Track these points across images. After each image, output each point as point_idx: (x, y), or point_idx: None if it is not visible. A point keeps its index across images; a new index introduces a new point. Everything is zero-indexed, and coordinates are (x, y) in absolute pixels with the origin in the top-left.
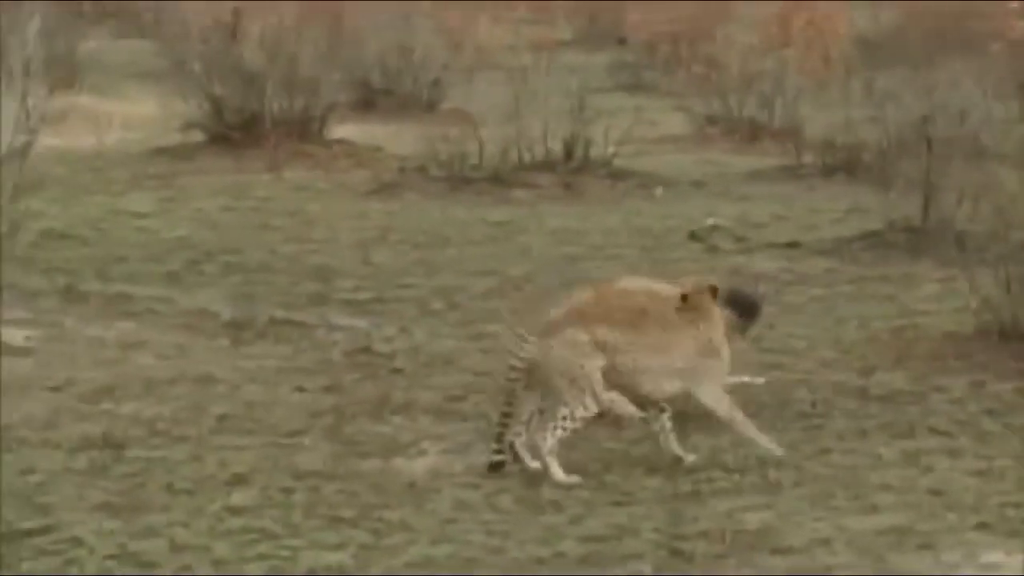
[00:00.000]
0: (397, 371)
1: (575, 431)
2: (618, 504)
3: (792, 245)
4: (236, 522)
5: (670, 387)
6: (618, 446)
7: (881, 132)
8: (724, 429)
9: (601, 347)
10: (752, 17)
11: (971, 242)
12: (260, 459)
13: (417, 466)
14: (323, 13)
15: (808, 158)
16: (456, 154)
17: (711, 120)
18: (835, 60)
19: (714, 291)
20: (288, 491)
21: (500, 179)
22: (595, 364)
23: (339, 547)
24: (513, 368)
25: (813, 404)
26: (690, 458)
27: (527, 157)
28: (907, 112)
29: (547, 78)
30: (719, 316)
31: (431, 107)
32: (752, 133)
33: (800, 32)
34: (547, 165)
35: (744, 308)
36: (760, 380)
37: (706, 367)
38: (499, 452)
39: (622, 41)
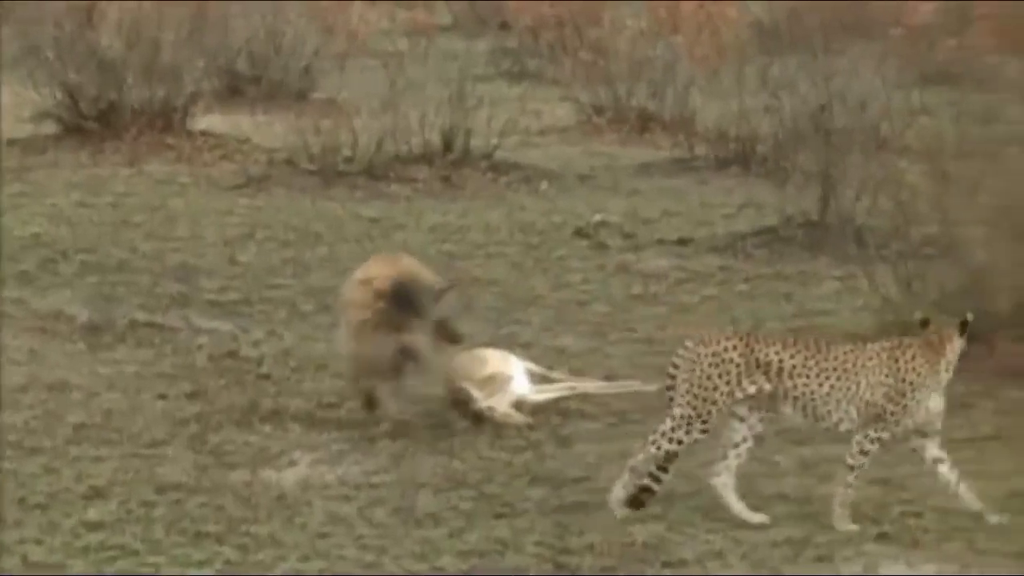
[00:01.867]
0: (265, 377)
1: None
2: (500, 516)
3: (684, 242)
4: (94, 538)
5: None
6: (500, 455)
7: (777, 123)
8: (611, 438)
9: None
10: (641, 1)
11: (871, 238)
12: (119, 471)
13: (287, 477)
14: None
15: (700, 150)
16: (328, 146)
17: (598, 110)
18: (728, 47)
19: None
20: (149, 505)
21: (375, 173)
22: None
23: (204, 564)
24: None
25: None
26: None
27: (404, 149)
28: (804, 102)
29: (424, 65)
30: None
31: (301, 96)
32: (641, 124)
33: (691, 17)
34: (425, 158)
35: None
36: (651, 387)
37: None
38: (655, 478)
39: (504, 26)
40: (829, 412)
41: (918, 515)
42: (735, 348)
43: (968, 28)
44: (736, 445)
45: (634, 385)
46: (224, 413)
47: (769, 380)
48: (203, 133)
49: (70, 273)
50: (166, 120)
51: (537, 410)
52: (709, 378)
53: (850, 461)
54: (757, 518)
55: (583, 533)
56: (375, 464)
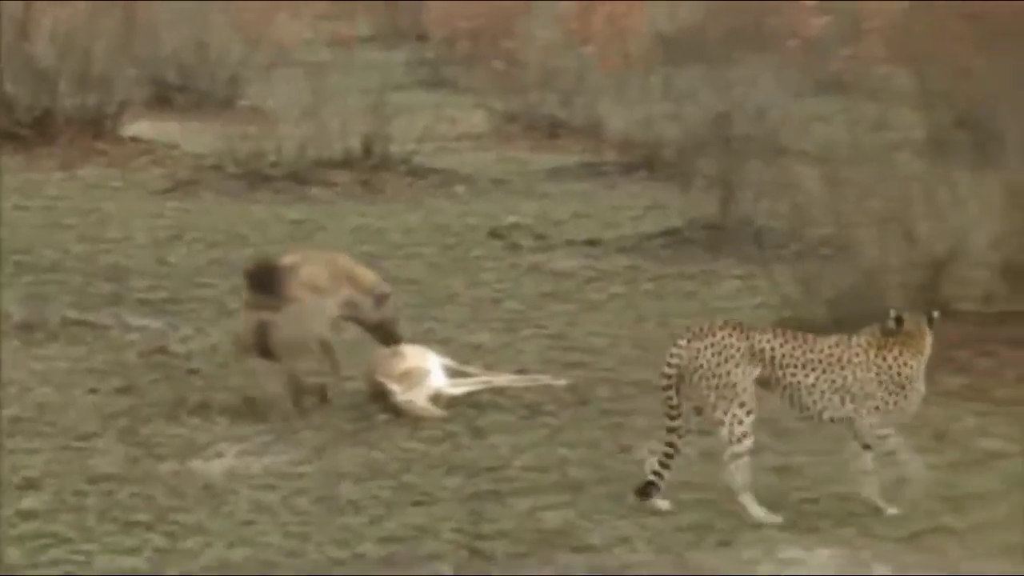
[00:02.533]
0: (193, 372)
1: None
2: (418, 504)
3: (593, 243)
4: (28, 527)
5: None
6: (418, 446)
7: (680, 129)
8: (523, 429)
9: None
10: (552, 13)
11: (770, 239)
12: (52, 462)
13: (214, 468)
14: (117, 6)
15: (608, 155)
16: (253, 152)
17: (511, 117)
18: (635, 57)
19: None
20: (81, 495)
21: (298, 177)
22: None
23: (134, 551)
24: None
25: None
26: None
27: (325, 155)
28: (706, 109)
29: (346, 74)
30: None
31: (228, 104)
32: (552, 130)
33: (600, 29)
34: (346, 163)
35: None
36: (562, 382)
37: None
38: (657, 474)
39: (421, 37)
40: (814, 402)
41: (815, 501)
42: (732, 335)
43: (859, 40)
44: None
45: (545, 379)
46: (154, 407)
47: (764, 367)
48: (133, 139)
49: (5, 273)
50: (98, 127)
51: (453, 403)
52: (719, 365)
53: (878, 448)
54: (774, 519)
55: (497, 520)
56: (298, 455)
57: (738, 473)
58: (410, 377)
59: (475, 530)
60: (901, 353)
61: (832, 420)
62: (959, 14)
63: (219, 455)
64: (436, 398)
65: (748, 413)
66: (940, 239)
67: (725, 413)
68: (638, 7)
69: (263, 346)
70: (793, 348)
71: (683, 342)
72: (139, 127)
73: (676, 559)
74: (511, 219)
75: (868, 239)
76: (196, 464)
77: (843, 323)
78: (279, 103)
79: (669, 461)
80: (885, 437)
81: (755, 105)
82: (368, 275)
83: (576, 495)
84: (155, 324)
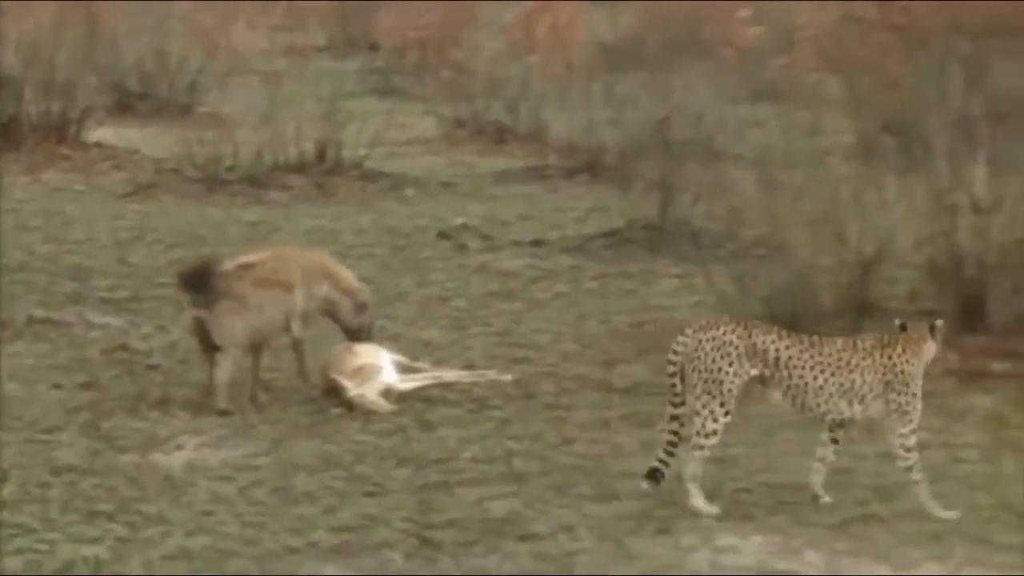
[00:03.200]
0: (154, 368)
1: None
2: (370, 495)
3: (537, 243)
4: None
5: None
6: (369, 439)
7: (621, 134)
8: (471, 423)
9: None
10: (498, 23)
11: (707, 240)
12: (18, 455)
13: (174, 460)
14: (80, 17)
15: (552, 159)
16: (211, 156)
17: (459, 123)
18: (577, 65)
19: None
20: (45, 486)
21: (255, 180)
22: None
23: (96, 540)
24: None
25: None
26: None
27: (281, 159)
28: (645, 115)
29: (300, 82)
30: None
31: (187, 110)
32: (499, 136)
33: (544, 38)
34: (300, 167)
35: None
36: (507, 377)
37: None
38: (662, 461)
39: (373, 47)
40: (818, 404)
41: (749, 491)
42: (734, 332)
43: (792, 49)
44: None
45: (491, 374)
46: (115, 401)
47: (766, 366)
48: (96, 145)
49: None
50: (61, 133)
51: (403, 398)
52: (714, 361)
53: (905, 464)
54: (712, 510)
55: (445, 510)
56: (255, 448)
57: (692, 463)
58: (362, 373)
59: (424, 519)
60: (904, 351)
61: (834, 422)
62: (886, 25)
63: (179, 448)
64: (387, 393)
65: (725, 414)
66: (869, 240)
67: (704, 407)
68: (580, 18)
69: (205, 341)
70: (800, 350)
71: (689, 332)
72: (101, 133)
73: (616, 546)
74: (459, 221)
75: (800, 240)
76: (156, 456)
77: (777, 320)
78: (236, 110)
79: (673, 448)
80: (911, 448)
81: (693, 111)
82: (351, 278)
83: (521, 486)
84: (117, 322)
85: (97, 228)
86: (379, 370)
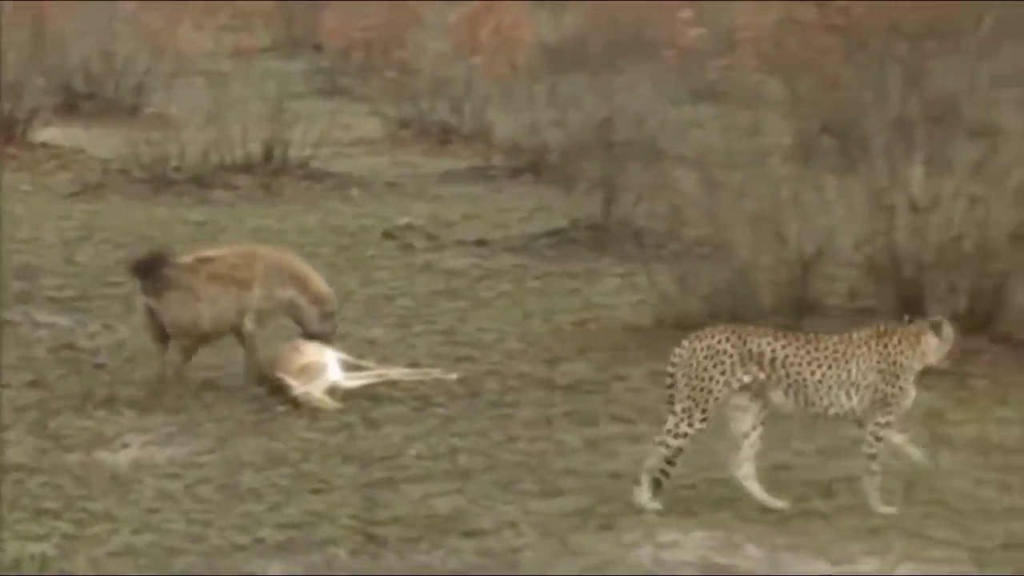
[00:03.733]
0: (100, 366)
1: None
2: (315, 492)
3: (482, 243)
4: None
5: None
6: (315, 436)
7: (565, 135)
8: (415, 420)
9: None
10: (442, 24)
11: (649, 239)
12: None
13: (120, 458)
14: (26, 18)
15: (496, 160)
16: (158, 156)
17: (404, 124)
18: (521, 66)
19: None
20: None
21: (201, 180)
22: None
23: (43, 538)
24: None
25: None
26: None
27: (227, 159)
28: (589, 116)
29: (246, 83)
30: None
31: (134, 111)
32: (443, 136)
33: (488, 39)
34: (246, 167)
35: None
36: (452, 375)
37: None
38: (665, 473)
39: (318, 48)
40: (820, 398)
41: (692, 487)
42: (728, 340)
43: (732, 51)
44: (746, 435)
45: (436, 372)
46: (62, 400)
47: (762, 369)
48: (43, 145)
49: None
50: (8, 133)
51: (349, 395)
52: (705, 369)
53: (869, 450)
54: (779, 504)
55: (390, 506)
56: (201, 445)
57: (653, 457)
58: (308, 372)
59: (370, 516)
60: (899, 343)
61: (836, 416)
62: (826, 27)
63: (125, 446)
64: (333, 391)
65: (703, 421)
66: (808, 239)
67: (684, 412)
68: (524, 19)
69: (155, 330)
70: (797, 348)
71: (686, 342)
72: (48, 133)
73: (560, 542)
74: (404, 220)
75: (741, 239)
76: (103, 455)
77: (718, 318)
78: (183, 110)
79: (674, 458)
80: (881, 438)
81: (635, 112)
82: (320, 285)
83: (466, 482)
84: (64, 321)
85: (44, 227)
86: (324, 368)
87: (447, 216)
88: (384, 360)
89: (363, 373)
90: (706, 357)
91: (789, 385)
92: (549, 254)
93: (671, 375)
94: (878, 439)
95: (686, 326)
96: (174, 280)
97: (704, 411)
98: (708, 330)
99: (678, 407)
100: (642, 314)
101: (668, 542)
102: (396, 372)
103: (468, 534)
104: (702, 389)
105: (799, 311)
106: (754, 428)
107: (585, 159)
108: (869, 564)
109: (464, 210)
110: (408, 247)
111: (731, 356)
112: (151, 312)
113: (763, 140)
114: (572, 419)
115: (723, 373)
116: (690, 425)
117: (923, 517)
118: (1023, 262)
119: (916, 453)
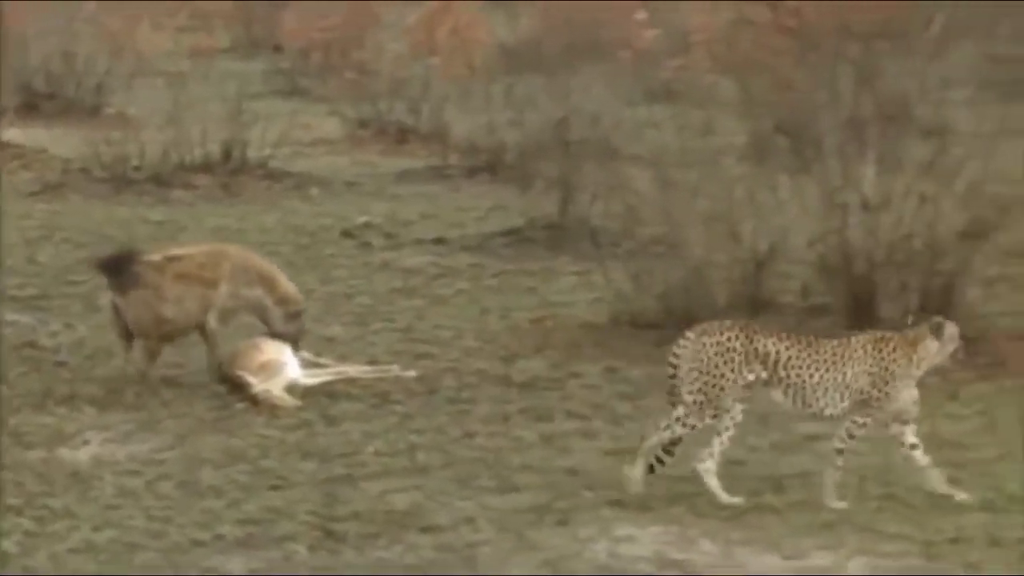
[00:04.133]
0: (61, 364)
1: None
2: (274, 488)
3: (439, 241)
4: None
5: None
6: (274, 433)
7: (521, 135)
8: (374, 417)
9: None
10: (400, 25)
11: (605, 238)
12: None
13: (80, 455)
14: None
15: (454, 159)
16: (118, 156)
17: (362, 124)
18: (478, 67)
19: None
20: None
21: (161, 180)
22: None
23: (4, 535)
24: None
25: None
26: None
27: (187, 159)
28: (545, 116)
29: (205, 84)
30: None
31: (94, 111)
32: (401, 136)
33: (445, 40)
34: (206, 167)
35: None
36: (411, 373)
37: None
38: (659, 460)
39: (278, 48)
40: (817, 399)
41: (648, 483)
42: (736, 337)
43: (687, 52)
44: (719, 433)
45: (394, 370)
46: (23, 397)
47: (766, 368)
48: (4, 144)
49: None
50: None
51: (308, 392)
52: (716, 366)
53: (839, 445)
54: (733, 500)
55: (349, 502)
56: (161, 442)
57: (652, 438)
58: (267, 369)
59: (329, 512)
60: (894, 350)
61: (832, 417)
62: (779, 28)
63: (85, 443)
64: (292, 388)
65: (713, 416)
66: (762, 237)
67: (695, 404)
68: (480, 20)
69: (121, 327)
70: (799, 350)
71: (691, 335)
72: (9, 133)
73: (517, 537)
74: (362, 219)
75: (695, 238)
76: (63, 452)
77: (673, 315)
78: (142, 110)
79: (673, 448)
80: (854, 436)
81: (591, 112)
82: (287, 287)
83: (424, 478)
84: (25, 319)
85: (5, 226)
86: (284, 366)
87: (405, 215)
88: (343, 358)
89: (322, 370)
90: (716, 353)
91: (789, 386)
92: (506, 253)
93: (674, 366)
94: (851, 436)
95: (641, 324)
96: (142, 278)
97: (715, 406)
98: (715, 325)
99: (688, 399)
100: (598, 312)
101: (624, 537)
102: (355, 369)
103: (426, 530)
104: (713, 385)
105: (753, 309)
106: (727, 429)
107: (541, 159)
108: (822, 558)
109: (422, 209)
110: (366, 246)
111: (740, 354)
112: (117, 310)
113: (717, 140)
114: (529, 415)
115: (732, 370)
116: (700, 419)
117: (875, 512)
118: (972, 261)
119: (936, 478)
